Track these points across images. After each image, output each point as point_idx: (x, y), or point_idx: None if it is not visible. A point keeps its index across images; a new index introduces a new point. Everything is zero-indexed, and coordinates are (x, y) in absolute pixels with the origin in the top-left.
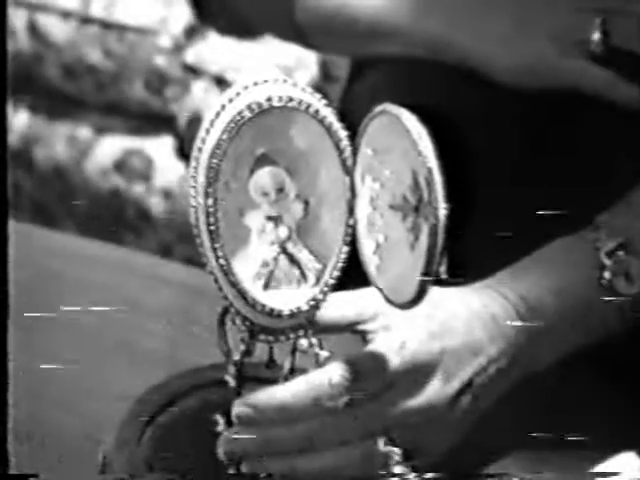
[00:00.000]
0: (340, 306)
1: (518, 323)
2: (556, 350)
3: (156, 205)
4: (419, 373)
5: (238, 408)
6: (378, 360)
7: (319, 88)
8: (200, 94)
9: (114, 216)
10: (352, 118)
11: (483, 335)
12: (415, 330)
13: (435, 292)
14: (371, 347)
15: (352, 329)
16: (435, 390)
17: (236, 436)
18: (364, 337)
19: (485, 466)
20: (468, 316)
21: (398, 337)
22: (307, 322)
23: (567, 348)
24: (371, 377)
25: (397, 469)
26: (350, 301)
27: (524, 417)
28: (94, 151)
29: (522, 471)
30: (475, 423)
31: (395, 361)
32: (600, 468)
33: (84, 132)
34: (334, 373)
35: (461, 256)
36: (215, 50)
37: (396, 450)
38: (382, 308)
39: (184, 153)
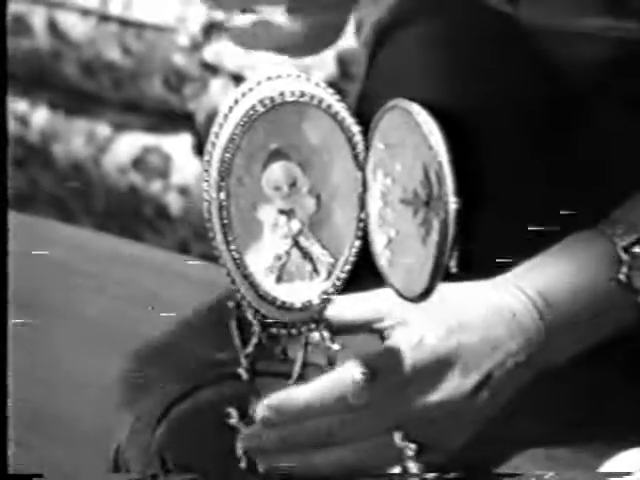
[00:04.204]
0: (356, 306)
1: (536, 318)
2: (574, 345)
3: (173, 202)
4: (437, 368)
5: (262, 411)
6: (394, 356)
7: (337, 86)
8: (218, 92)
9: (132, 213)
10: (369, 114)
11: (502, 330)
12: (433, 325)
13: (453, 287)
14: (389, 342)
15: (369, 328)
16: (453, 385)
17: (255, 433)
18: (381, 335)
19: (499, 463)
20: (486, 311)
21: (416, 332)
22: (319, 316)
23: (585, 343)
24: (388, 374)
25: (411, 464)
26: (365, 301)
27: (539, 413)
28: (112, 148)
29: (534, 468)
30: (491, 418)
31: (413, 357)
32: (610, 464)
33: (102, 129)
34: (355, 371)
35: (472, 251)
36: (233, 48)
37: (411, 445)
38: (397, 305)
39: (202, 150)
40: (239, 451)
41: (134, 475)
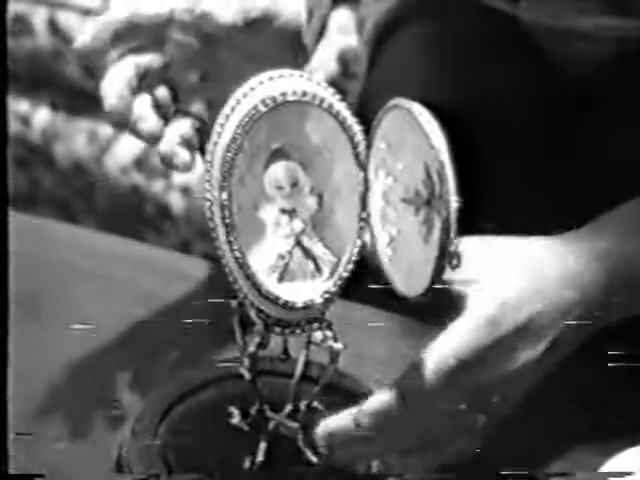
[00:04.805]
0: None
1: (601, 278)
2: (632, 305)
3: (176, 202)
4: (514, 340)
5: (362, 420)
6: (419, 370)
7: (338, 85)
8: None
9: (133, 212)
10: (371, 114)
11: (571, 293)
12: (510, 292)
13: (526, 243)
14: (472, 312)
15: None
16: (525, 354)
17: (341, 430)
18: (448, 288)
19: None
20: (558, 273)
21: (492, 300)
22: (321, 315)
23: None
24: (417, 392)
25: (477, 437)
26: None
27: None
28: (114, 148)
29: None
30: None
31: (493, 331)
32: (611, 463)
33: (105, 129)
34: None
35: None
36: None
37: (481, 416)
38: (469, 257)
39: (204, 150)
40: (319, 440)
41: (137, 475)
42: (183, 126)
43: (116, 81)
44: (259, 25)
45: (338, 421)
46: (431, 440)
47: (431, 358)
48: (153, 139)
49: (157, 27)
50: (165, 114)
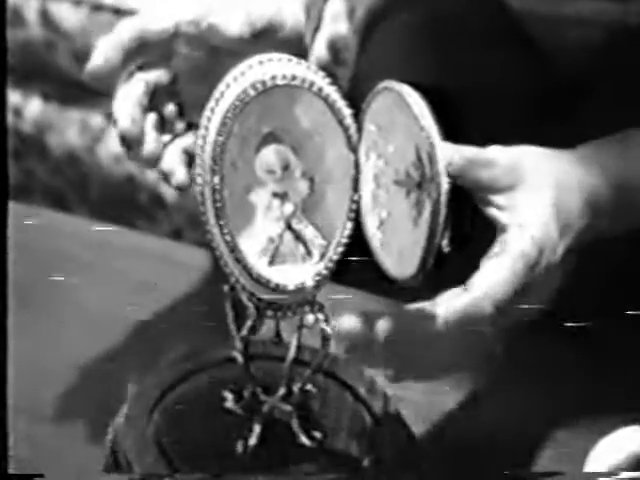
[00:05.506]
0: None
1: (607, 196)
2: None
3: (168, 191)
4: (546, 278)
5: (384, 323)
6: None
7: (328, 70)
8: None
9: (127, 201)
10: (361, 97)
11: (585, 220)
12: (546, 235)
13: (551, 165)
14: (508, 253)
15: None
16: (551, 286)
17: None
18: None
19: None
20: (580, 206)
21: (531, 246)
22: (312, 298)
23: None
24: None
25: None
26: (490, 161)
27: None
28: (107, 138)
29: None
30: None
31: (531, 273)
32: (599, 448)
33: (96, 119)
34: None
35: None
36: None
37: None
38: (517, 181)
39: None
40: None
41: (136, 476)
42: (189, 139)
43: (127, 102)
44: (265, 36)
45: (350, 324)
46: (441, 366)
47: (463, 299)
48: (152, 162)
49: (165, 42)
50: (171, 129)
